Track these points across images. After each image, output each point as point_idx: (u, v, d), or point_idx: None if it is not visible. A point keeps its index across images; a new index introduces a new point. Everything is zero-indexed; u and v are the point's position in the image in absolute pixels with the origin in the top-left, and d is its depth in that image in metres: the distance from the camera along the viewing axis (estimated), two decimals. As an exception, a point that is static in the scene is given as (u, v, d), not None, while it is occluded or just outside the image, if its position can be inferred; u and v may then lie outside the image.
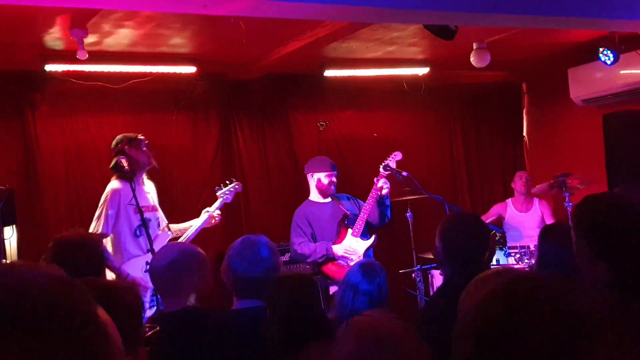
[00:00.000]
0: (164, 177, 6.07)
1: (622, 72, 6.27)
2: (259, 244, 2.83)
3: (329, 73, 6.36)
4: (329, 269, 4.97)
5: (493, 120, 7.76)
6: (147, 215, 4.31)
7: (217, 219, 4.70)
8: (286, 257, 5.58)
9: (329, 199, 5.18)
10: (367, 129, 6.87)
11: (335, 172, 5.18)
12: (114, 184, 4.36)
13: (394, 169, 5.08)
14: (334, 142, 6.89)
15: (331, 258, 4.97)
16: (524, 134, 7.92)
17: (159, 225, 4.57)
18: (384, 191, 5.03)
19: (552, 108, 7.52)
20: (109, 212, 4.26)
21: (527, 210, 6.61)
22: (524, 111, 7.92)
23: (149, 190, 4.57)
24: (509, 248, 5.63)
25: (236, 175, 6.34)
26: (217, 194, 4.77)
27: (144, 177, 4.55)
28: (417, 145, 7.28)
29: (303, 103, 6.74)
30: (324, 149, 6.77)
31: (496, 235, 6.11)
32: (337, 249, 5.00)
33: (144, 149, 4.47)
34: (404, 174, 5.06)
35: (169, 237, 4.55)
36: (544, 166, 7.61)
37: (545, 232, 3.27)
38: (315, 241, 5.01)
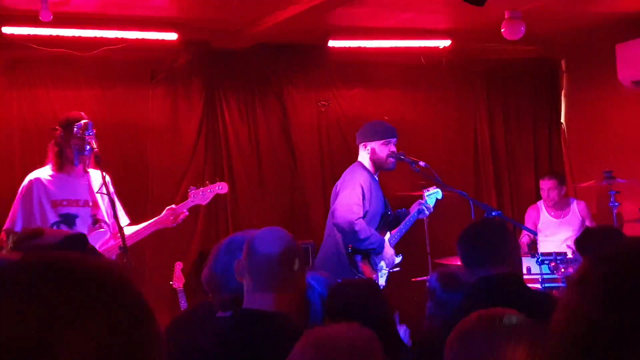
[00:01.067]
0: (137, 164, 6.22)
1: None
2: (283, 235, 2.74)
3: (333, 44, 6.45)
4: (364, 266, 5.00)
5: (526, 103, 7.81)
6: (71, 210, 4.32)
7: (179, 219, 4.58)
8: None
9: (376, 176, 5.19)
10: (377, 111, 6.85)
11: (395, 139, 5.14)
12: (33, 173, 4.39)
13: (408, 158, 5.19)
14: (337, 125, 6.97)
15: (375, 253, 5.00)
16: (562, 120, 8.00)
17: (94, 223, 4.52)
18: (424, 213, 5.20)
19: (596, 90, 7.51)
20: (18, 207, 4.30)
21: (564, 215, 6.73)
22: (563, 93, 7.96)
23: (93, 181, 4.46)
24: (542, 255, 5.65)
25: (222, 163, 6.50)
26: (189, 192, 4.73)
27: (86, 165, 4.45)
28: (436, 131, 7.38)
29: (302, 78, 6.81)
30: (324, 132, 6.89)
31: (528, 239, 6.23)
32: (387, 245, 5.06)
33: (80, 133, 4.29)
34: (421, 164, 5.15)
35: (106, 236, 4.48)
36: (585, 158, 7.68)
37: (584, 238, 3.40)
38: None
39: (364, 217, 4.95)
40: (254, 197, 6.55)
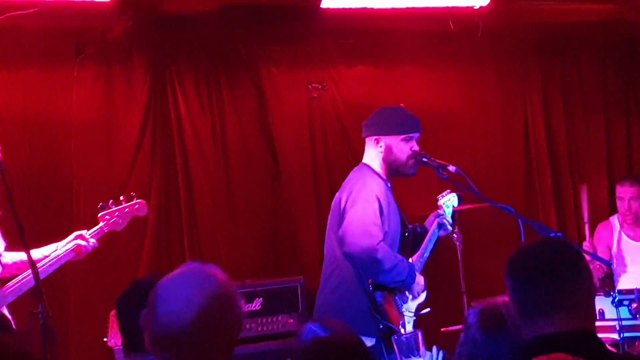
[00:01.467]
0: (56, 173, 6.17)
1: None
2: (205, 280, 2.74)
3: (328, 3, 6.44)
4: (389, 307, 5.04)
5: (595, 83, 7.81)
6: None
7: (88, 247, 4.68)
8: (255, 305, 5.77)
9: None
10: (389, 95, 6.76)
11: (419, 134, 5.22)
12: None
13: (433, 160, 5.18)
14: (334, 115, 6.99)
15: (404, 286, 5.08)
16: None
17: None
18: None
19: None
20: None
21: None
22: None
23: None
24: (620, 293, 5.70)
25: (175, 170, 6.48)
26: (99, 215, 4.80)
27: None
28: (471, 122, 7.41)
29: (285, 53, 6.80)
30: (317, 125, 6.90)
31: (601, 271, 6.20)
32: (419, 277, 5.14)
33: None
34: (451, 168, 5.14)
35: None
36: None
37: None
38: None
39: (384, 241, 4.98)
40: (221, 218, 6.56)
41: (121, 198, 4.83)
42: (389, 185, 5.23)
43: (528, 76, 7.67)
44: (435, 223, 5.33)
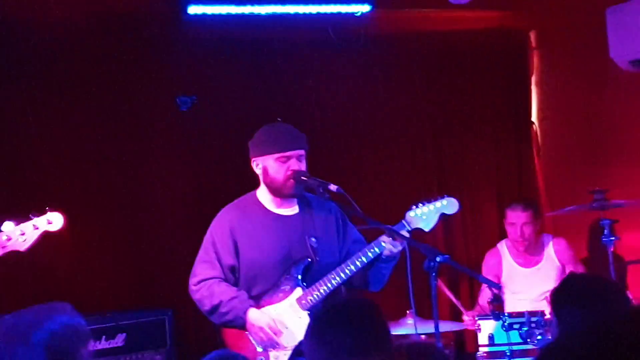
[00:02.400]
0: None
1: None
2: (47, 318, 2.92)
3: (196, 10, 6.40)
4: (231, 334, 4.94)
5: (482, 95, 7.86)
6: None
7: None
8: (118, 342, 5.68)
9: (292, 208, 5.10)
10: (264, 109, 6.76)
11: (301, 152, 5.03)
12: None
13: (313, 179, 4.98)
14: (207, 134, 6.89)
15: (238, 327, 4.94)
16: (533, 118, 8.00)
17: None
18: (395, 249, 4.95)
19: (579, 74, 7.55)
20: None
21: (536, 262, 6.74)
22: (533, 80, 8.00)
23: None
24: (510, 317, 5.67)
25: (28, 195, 6.19)
26: None
27: None
28: (355, 135, 7.41)
29: (147, 63, 6.68)
30: (184, 143, 6.79)
31: (489, 295, 6.09)
32: (254, 320, 4.84)
33: None
34: (332, 187, 4.91)
35: None
36: (565, 173, 7.70)
37: (562, 292, 3.41)
38: (235, 281, 4.97)
39: (235, 276, 4.96)
40: (79, 245, 6.30)
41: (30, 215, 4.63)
42: (275, 211, 5.05)
43: (413, 90, 7.69)
44: (370, 246, 4.98)
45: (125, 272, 6.46)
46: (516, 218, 6.59)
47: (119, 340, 5.70)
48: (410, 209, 5.09)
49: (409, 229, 5.04)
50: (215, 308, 4.82)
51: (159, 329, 5.91)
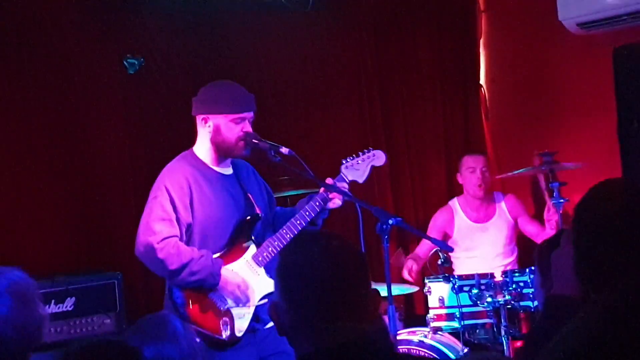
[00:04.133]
0: None
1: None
2: None
3: None
4: (195, 309, 4.81)
5: (430, 58, 7.88)
6: None
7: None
8: (67, 306, 5.60)
9: (229, 168, 5.11)
10: (211, 70, 6.70)
11: (252, 114, 5.03)
12: None
13: (265, 141, 5.00)
14: (155, 97, 6.84)
15: (207, 287, 4.81)
16: (482, 81, 8.02)
17: None
18: (336, 204, 5.07)
19: (527, 36, 7.61)
20: None
21: (488, 217, 6.86)
22: (481, 42, 8.02)
23: None
24: (460, 279, 5.77)
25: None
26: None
27: None
28: (305, 100, 7.46)
29: (90, 20, 6.56)
30: (134, 109, 6.73)
31: (438, 258, 6.23)
32: (229, 276, 4.84)
33: None
34: (284, 150, 4.96)
35: None
36: (514, 135, 7.74)
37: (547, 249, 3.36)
38: (187, 240, 4.87)
39: (187, 235, 4.87)
40: (22, 204, 6.26)
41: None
42: (219, 170, 5.04)
43: (362, 49, 7.71)
44: (316, 200, 5.05)
45: (73, 236, 6.35)
46: (476, 162, 6.74)
47: (69, 305, 5.60)
48: (342, 162, 5.19)
49: (347, 180, 5.14)
50: (184, 267, 4.71)
51: (109, 292, 5.82)
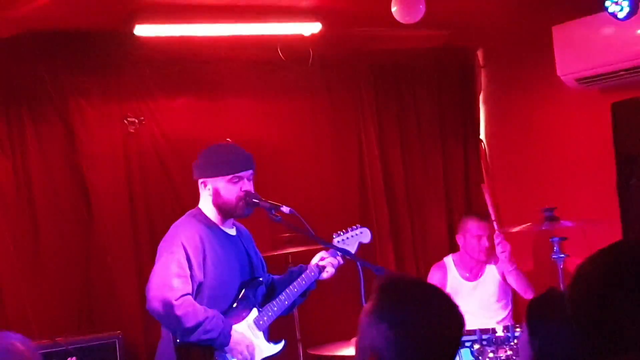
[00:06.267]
0: None
1: (641, 31, 6.42)
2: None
3: (142, 30, 6.30)
4: (197, 354, 4.86)
5: (430, 112, 7.91)
6: None
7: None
8: None
9: (233, 229, 5.17)
10: (214, 130, 6.76)
11: (251, 172, 5.11)
12: None
13: (265, 201, 5.05)
14: (154, 153, 6.88)
15: (217, 346, 4.85)
16: (482, 135, 8.08)
17: None
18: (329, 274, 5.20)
19: (527, 91, 7.63)
20: None
21: (479, 275, 6.90)
22: (481, 97, 8.07)
23: None
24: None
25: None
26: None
27: None
28: (304, 156, 7.44)
29: (97, 84, 6.61)
30: (135, 163, 6.73)
31: None
32: (238, 337, 4.90)
33: None
34: (284, 209, 5.01)
35: None
36: (514, 190, 7.75)
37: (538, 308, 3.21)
38: (195, 298, 4.88)
39: (196, 293, 4.87)
40: (27, 274, 6.26)
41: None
42: (225, 230, 5.10)
43: (362, 107, 7.72)
44: (311, 270, 5.19)
45: (74, 295, 6.36)
46: (483, 230, 6.68)
47: None
48: (333, 237, 5.31)
49: (339, 254, 5.25)
50: (199, 325, 4.70)
51: (109, 351, 5.85)
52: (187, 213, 5.14)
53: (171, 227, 5.10)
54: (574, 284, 2.44)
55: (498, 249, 6.46)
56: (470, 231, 6.74)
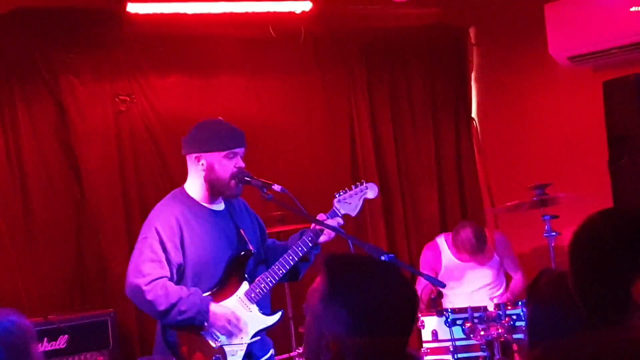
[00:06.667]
0: None
1: (634, 8, 6.37)
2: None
3: (134, 8, 6.33)
4: (188, 348, 4.77)
5: (422, 90, 7.92)
6: None
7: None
8: (60, 343, 5.62)
9: (221, 204, 5.09)
10: (205, 108, 6.75)
11: (243, 149, 5.01)
12: None
13: (256, 179, 4.95)
14: (146, 131, 6.88)
15: (197, 324, 4.77)
16: (473, 114, 8.08)
17: None
18: (328, 236, 5.07)
19: (518, 70, 7.64)
20: None
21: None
22: (473, 75, 8.09)
23: None
24: (453, 312, 5.74)
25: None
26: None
27: None
28: (296, 134, 7.44)
29: (88, 62, 6.62)
30: (126, 141, 6.75)
31: (431, 293, 6.18)
32: (218, 312, 4.79)
33: None
34: (276, 187, 4.92)
35: None
36: (506, 168, 7.77)
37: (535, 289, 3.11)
38: (178, 279, 4.77)
39: (178, 274, 4.78)
40: (19, 250, 6.25)
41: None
42: (210, 207, 4.98)
43: (354, 83, 7.72)
44: (308, 234, 5.03)
45: (66, 274, 6.39)
46: (467, 230, 6.45)
47: (61, 342, 5.62)
48: (335, 196, 5.16)
49: (340, 214, 5.10)
50: (172, 306, 4.65)
51: (101, 329, 5.84)
52: (170, 193, 5.06)
53: (152, 209, 5.04)
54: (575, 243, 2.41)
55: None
56: (461, 246, 6.50)
